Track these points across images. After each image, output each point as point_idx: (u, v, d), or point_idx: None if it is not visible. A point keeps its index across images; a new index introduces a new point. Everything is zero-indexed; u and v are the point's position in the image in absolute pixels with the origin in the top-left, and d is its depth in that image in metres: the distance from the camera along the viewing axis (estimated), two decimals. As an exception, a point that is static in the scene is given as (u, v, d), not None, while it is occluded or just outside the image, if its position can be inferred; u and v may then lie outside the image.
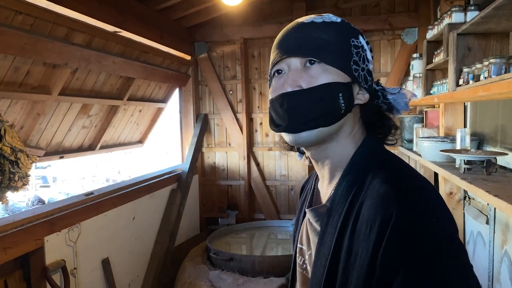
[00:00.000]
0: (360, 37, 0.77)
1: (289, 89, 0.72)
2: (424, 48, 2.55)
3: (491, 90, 1.26)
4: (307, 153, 0.80)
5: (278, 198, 4.31)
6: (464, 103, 2.45)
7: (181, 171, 3.94)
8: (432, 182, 3.24)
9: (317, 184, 0.87)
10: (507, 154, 1.76)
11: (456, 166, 1.84)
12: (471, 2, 2.27)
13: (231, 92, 4.30)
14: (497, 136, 2.00)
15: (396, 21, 3.80)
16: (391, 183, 0.65)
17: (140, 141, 4.67)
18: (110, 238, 2.76)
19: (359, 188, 0.70)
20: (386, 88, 0.81)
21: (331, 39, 0.74)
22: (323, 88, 0.72)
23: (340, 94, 0.72)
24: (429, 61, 2.47)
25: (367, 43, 0.79)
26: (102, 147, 3.85)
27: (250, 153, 4.28)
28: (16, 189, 2.19)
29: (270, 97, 0.77)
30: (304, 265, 0.83)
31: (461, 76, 1.80)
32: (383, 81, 3.82)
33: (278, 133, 0.79)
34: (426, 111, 2.93)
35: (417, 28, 3.74)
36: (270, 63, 0.79)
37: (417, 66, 2.87)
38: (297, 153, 0.88)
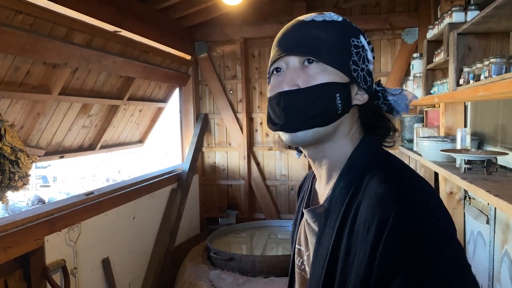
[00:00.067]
0: (361, 37, 0.77)
1: (286, 88, 0.72)
2: (424, 48, 2.55)
3: (492, 90, 1.26)
4: (305, 153, 0.80)
5: (278, 197, 4.31)
6: (465, 103, 2.45)
7: (181, 171, 3.94)
8: (433, 182, 3.24)
9: (315, 184, 0.86)
10: (507, 153, 1.76)
11: (457, 166, 1.83)
12: (472, 2, 2.26)
13: (231, 92, 4.29)
14: (498, 136, 2.00)
15: (397, 21, 3.80)
16: (389, 183, 0.65)
17: (140, 141, 4.67)
18: (110, 238, 2.75)
19: (357, 188, 0.69)
20: (387, 89, 0.81)
21: (331, 39, 0.73)
22: (320, 88, 0.71)
23: (337, 95, 0.71)
24: (429, 61, 2.47)
25: (369, 43, 0.78)
26: (102, 147, 3.85)
27: (250, 152, 4.28)
28: (16, 188, 2.19)
29: (268, 95, 0.77)
30: (303, 266, 0.83)
31: (462, 76, 1.79)
32: (383, 80, 3.82)
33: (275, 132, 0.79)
34: (426, 111, 2.93)
35: (417, 28, 3.74)
36: (269, 61, 0.79)
37: (417, 66, 2.87)
38: (295, 151, 0.87)
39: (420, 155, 2.38)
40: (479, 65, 1.59)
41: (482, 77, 1.51)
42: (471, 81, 1.66)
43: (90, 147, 3.69)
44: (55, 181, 14.53)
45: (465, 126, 2.44)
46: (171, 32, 3.68)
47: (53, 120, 3.00)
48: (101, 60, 2.90)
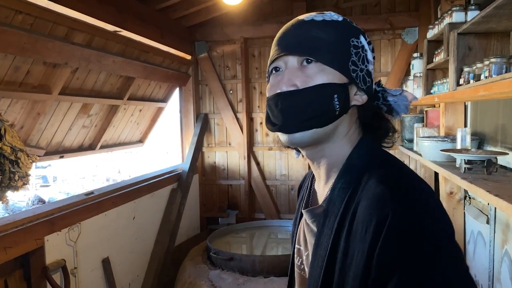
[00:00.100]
0: (361, 37, 0.76)
1: (284, 88, 0.72)
2: (424, 48, 2.55)
3: (492, 89, 1.26)
4: (303, 153, 0.80)
5: (278, 197, 4.31)
6: (465, 103, 2.45)
7: (182, 170, 3.94)
8: (433, 182, 3.24)
9: (314, 184, 0.86)
10: (507, 153, 1.76)
11: (457, 165, 1.83)
12: (472, 2, 2.26)
13: (231, 92, 4.29)
14: (498, 136, 2.00)
15: (397, 21, 3.79)
16: (387, 184, 0.65)
17: (140, 141, 4.67)
18: (111, 237, 2.75)
19: (355, 189, 0.69)
20: (388, 90, 0.80)
21: (330, 39, 0.73)
22: (317, 89, 0.71)
23: (335, 96, 0.71)
24: (429, 61, 2.47)
25: (369, 43, 0.78)
26: (102, 147, 3.84)
27: (250, 152, 4.28)
28: (16, 188, 2.19)
29: (267, 95, 0.77)
30: (302, 266, 0.83)
31: (462, 76, 1.79)
32: (383, 80, 3.82)
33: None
34: (426, 111, 2.93)
35: (417, 28, 3.74)
36: (269, 60, 0.79)
37: (417, 66, 2.87)
38: (294, 151, 0.87)
39: (420, 155, 2.38)
40: (479, 65, 1.59)
41: (482, 77, 1.51)
42: (471, 81, 1.65)
43: (90, 147, 3.69)
44: (55, 181, 14.54)
45: (465, 126, 2.44)
46: (171, 32, 3.68)
47: (53, 120, 3.00)
48: (101, 60, 2.90)
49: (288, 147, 0.83)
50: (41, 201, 9.64)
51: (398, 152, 3.43)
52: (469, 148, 1.93)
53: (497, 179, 1.57)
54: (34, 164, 2.40)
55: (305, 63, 0.73)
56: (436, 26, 2.35)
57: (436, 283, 0.55)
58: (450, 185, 2.48)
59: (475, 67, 1.64)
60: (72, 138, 3.38)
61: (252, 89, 4.27)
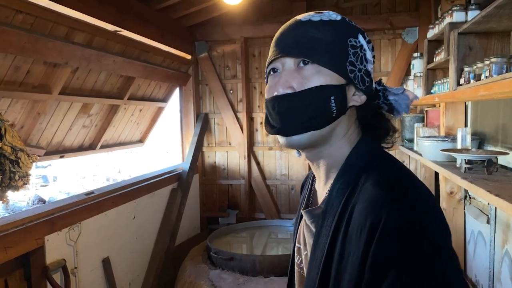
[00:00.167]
0: (360, 36, 0.75)
1: (281, 90, 0.72)
2: (425, 47, 2.55)
3: (492, 89, 1.26)
4: (303, 154, 0.80)
5: (279, 197, 4.31)
6: (465, 103, 2.45)
7: (182, 170, 3.94)
8: (433, 181, 3.24)
9: (315, 184, 0.86)
10: (508, 153, 1.76)
11: (457, 165, 1.83)
12: (472, 1, 2.26)
13: (231, 92, 4.29)
14: (498, 136, 2.00)
15: (397, 21, 3.79)
16: (383, 185, 0.65)
17: (141, 141, 4.67)
18: (111, 237, 2.76)
19: (353, 190, 0.69)
20: (389, 88, 0.79)
21: (327, 39, 0.72)
22: (313, 91, 0.70)
23: (332, 97, 0.70)
24: (430, 61, 2.47)
25: (368, 42, 0.77)
26: (102, 147, 3.84)
27: (251, 152, 4.28)
28: (16, 188, 2.19)
29: (265, 97, 0.77)
30: (302, 265, 0.83)
31: (462, 76, 1.79)
32: (383, 80, 3.81)
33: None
34: (426, 111, 2.93)
35: (417, 28, 3.74)
36: (267, 61, 0.78)
37: (417, 66, 2.87)
38: (295, 150, 0.88)
39: (420, 154, 2.38)
40: (479, 65, 1.59)
41: (482, 76, 1.51)
42: (472, 81, 1.65)
43: (90, 147, 3.69)
44: (56, 180, 14.55)
45: (466, 125, 2.44)
46: (172, 32, 3.68)
47: (53, 119, 3.00)
48: (101, 60, 2.90)
49: None
50: (42, 200, 9.65)
51: (398, 152, 3.43)
52: (470, 148, 1.93)
53: (497, 179, 1.57)
54: (34, 164, 2.40)
55: (301, 64, 0.72)
56: (437, 26, 2.35)
57: (437, 283, 0.55)
58: (451, 185, 2.48)
59: (475, 67, 1.64)
60: (72, 138, 3.38)
61: (252, 89, 4.27)
